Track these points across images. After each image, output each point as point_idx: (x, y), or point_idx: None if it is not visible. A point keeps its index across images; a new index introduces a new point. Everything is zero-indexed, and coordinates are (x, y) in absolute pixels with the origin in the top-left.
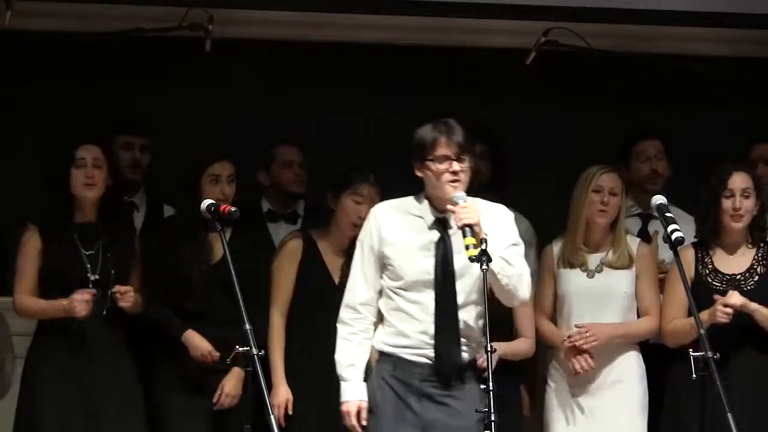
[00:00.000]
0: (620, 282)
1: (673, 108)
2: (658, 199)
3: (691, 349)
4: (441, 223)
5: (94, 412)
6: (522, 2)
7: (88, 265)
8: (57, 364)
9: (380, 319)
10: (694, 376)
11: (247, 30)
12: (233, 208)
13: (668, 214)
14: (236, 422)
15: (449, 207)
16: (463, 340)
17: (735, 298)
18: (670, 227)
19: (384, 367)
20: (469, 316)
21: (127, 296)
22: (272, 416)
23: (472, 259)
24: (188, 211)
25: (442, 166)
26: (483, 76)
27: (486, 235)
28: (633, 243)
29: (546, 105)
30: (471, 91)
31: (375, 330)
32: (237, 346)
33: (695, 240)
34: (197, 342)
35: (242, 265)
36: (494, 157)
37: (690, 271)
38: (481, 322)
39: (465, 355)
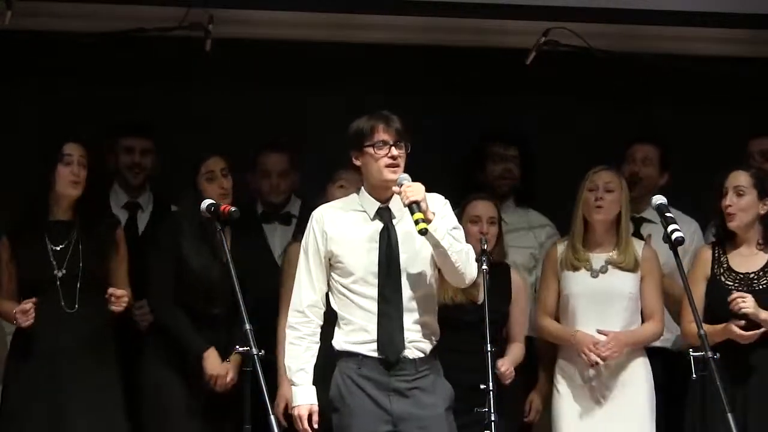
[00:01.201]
0: (625, 283)
1: (673, 108)
2: (658, 199)
3: (691, 349)
4: (384, 213)
5: (61, 413)
6: (522, 2)
7: (54, 262)
8: (26, 367)
9: (335, 319)
10: (694, 376)
11: (247, 30)
12: (233, 208)
13: (668, 214)
14: (236, 422)
15: (395, 188)
16: (417, 328)
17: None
18: (670, 227)
19: (349, 365)
20: (423, 304)
21: (121, 300)
22: (272, 416)
23: (422, 232)
24: (192, 212)
25: (381, 152)
26: (483, 76)
27: (433, 214)
28: (638, 246)
29: (546, 105)
30: (471, 91)
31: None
32: (237, 346)
33: (714, 240)
34: (216, 363)
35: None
36: (524, 161)
37: (706, 270)
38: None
39: (424, 345)
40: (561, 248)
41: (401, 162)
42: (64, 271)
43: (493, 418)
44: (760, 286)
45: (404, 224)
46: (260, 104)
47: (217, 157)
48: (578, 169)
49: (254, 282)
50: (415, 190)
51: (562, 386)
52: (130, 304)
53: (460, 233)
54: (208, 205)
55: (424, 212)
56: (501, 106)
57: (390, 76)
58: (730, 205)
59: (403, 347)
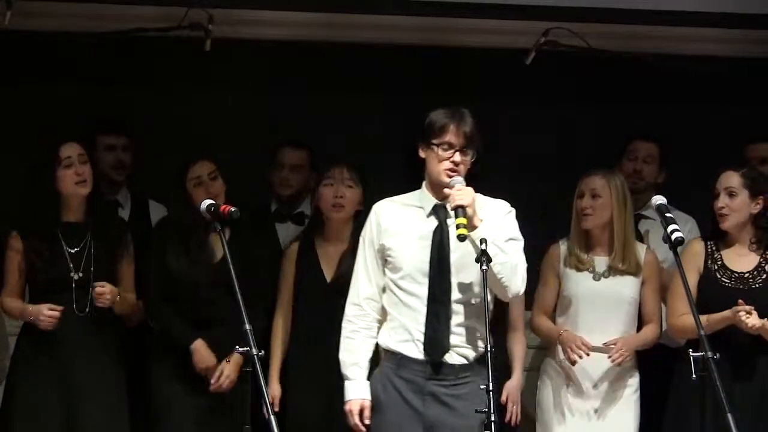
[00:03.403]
0: (627, 287)
1: (673, 108)
2: (658, 200)
3: (690, 349)
4: (439, 211)
5: (74, 414)
6: (522, 2)
7: (71, 264)
8: (36, 369)
9: (384, 316)
10: (693, 376)
11: (247, 30)
12: (233, 208)
13: (668, 215)
14: (236, 422)
15: (446, 190)
16: (462, 332)
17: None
18: (670, 227)
19: (388, 365)
20: (470, 308)
21: (102, 297)
22: (272, 416)
23: (461, 238)
24: (183, 215)
25: (445, 154)
26: (483, 76)
27: (481, 220)
28: (641, 249)
29: (546, 105)
30: (471, 91)
31: (379, 328)
32: (237, 346)
33: (706, 234)
34: (205, 354)
35: (242, 265)
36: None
37: (699, 264)
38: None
39: (468, 351)
40: (563, 247)
41: (462, 168)
42: (80, 274)
43: (492, 419)
44: (756, 285)
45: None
46: (260, 104)
47: (204, 160)
48: (578, 170)
49: (264, 280)
50: (464, 194)
51: (546, 387)
52: (114, 301)
53: (516, 245)
54: (207, 206)
55: (470, 218)
56: (501, 106)
57: (390, 76)
58: (722, 207)
59: (448, 348)
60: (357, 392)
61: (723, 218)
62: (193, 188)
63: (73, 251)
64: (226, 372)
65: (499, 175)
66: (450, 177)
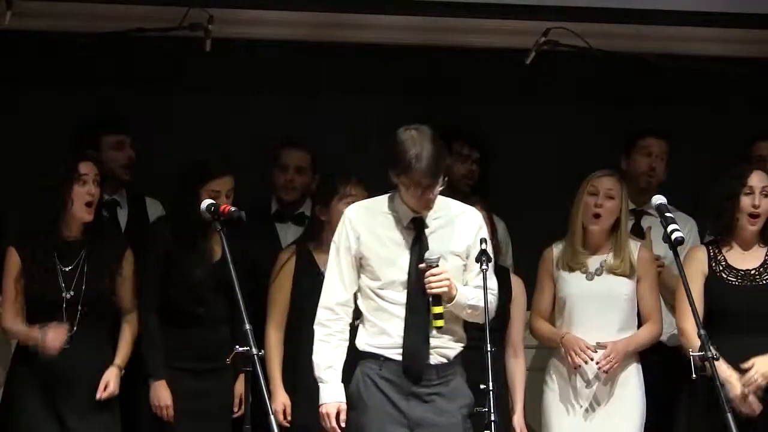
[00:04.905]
0: (621, 286)
1: (674, 108)
2: (658, 199)
3: (691, 349)
4: (417, 223)
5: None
6: (522, 2)
7: (63, 284)
8: (33, 395)
9: (361, 319)
10: (694, 376)
11: (247, 30)
12: (233, 208)
13: (668, 214)
14: (236, 422)
15: (421, 266)
16: (442, 335)
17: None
18: (670, 227)
19: (370, 366)
20: (450, 313)
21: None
22: (272, 417)
23: (437, 329)
24: (185, 214)
25: (415, 191)
26: (483, 76)
27: (456, 290)
28: (634, 247)
29: (546, 105)
30: (471, 91)
31: (357, 330)
32: (237, 346)
33: (709, 239)
34: (160, 393)
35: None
36: (484, 163)
37: (703, 268)
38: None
39: (448, 351)
40: (557, 251)
41: (434, 199)
42: (72, 293)
43: (493, 418)
44: (763, 282)
45: (436, 236)
46: (260, 104)
47: (228, 177)
48: (578, 170)
49: (264, 281)
50: (441, 280)
51: (553, 384)
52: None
53: (487, 271)
54: (208, 206)
55: (448, 300)
56: (501, 106)
57: (389, 76)
58: (758, 205)
59: (427, 358)
60: (332, 395)
61: (755, 219)
62: (205, 196)
63: (66, 269)
64: (244, 397)
65: (500, 175)
66: (426, 208)
